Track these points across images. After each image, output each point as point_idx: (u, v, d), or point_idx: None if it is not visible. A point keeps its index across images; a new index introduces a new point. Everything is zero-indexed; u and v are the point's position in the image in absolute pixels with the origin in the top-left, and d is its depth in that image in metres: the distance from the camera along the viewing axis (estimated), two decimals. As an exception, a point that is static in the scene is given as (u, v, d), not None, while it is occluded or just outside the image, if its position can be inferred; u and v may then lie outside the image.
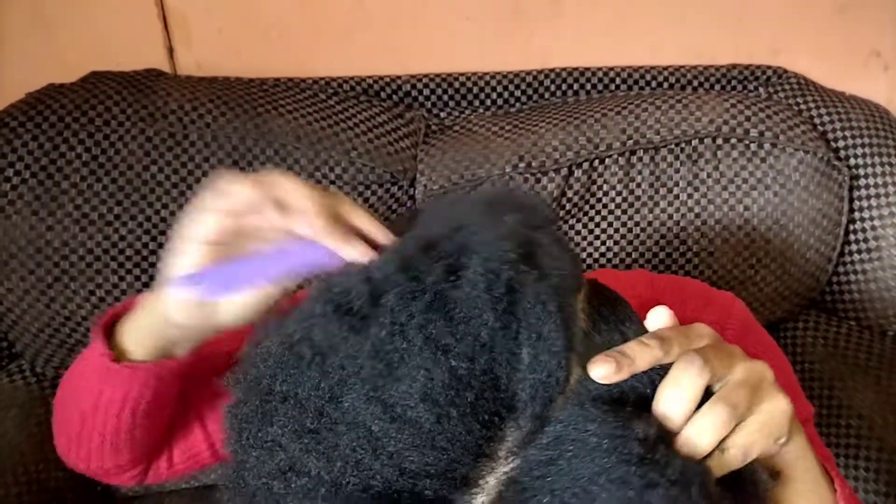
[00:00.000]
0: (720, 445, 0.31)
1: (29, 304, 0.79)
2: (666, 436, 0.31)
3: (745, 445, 0.32)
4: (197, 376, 0.50)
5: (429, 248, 0.33)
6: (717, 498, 0.30)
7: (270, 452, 0.31)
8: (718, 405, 0.31)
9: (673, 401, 0.31)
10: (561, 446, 0.30)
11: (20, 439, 0.80)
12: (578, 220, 0.87)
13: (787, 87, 0.95)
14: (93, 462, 0.52)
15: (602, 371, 0.31)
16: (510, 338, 0.31)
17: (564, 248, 0.35)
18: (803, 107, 0.92)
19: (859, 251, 0.89)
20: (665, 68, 0.96)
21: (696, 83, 0.96)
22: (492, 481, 0.31)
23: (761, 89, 0.96)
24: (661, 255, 0.87)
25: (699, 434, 0.31)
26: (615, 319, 0.35)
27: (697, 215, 0.86)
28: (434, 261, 0.32)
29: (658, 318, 0.35)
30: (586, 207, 0.86)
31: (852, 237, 0.89)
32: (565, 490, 0.29)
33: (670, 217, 0.86)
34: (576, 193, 0.85)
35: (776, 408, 0.33)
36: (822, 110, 0.91)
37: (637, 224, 0.87)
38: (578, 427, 0.30)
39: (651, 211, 0.86)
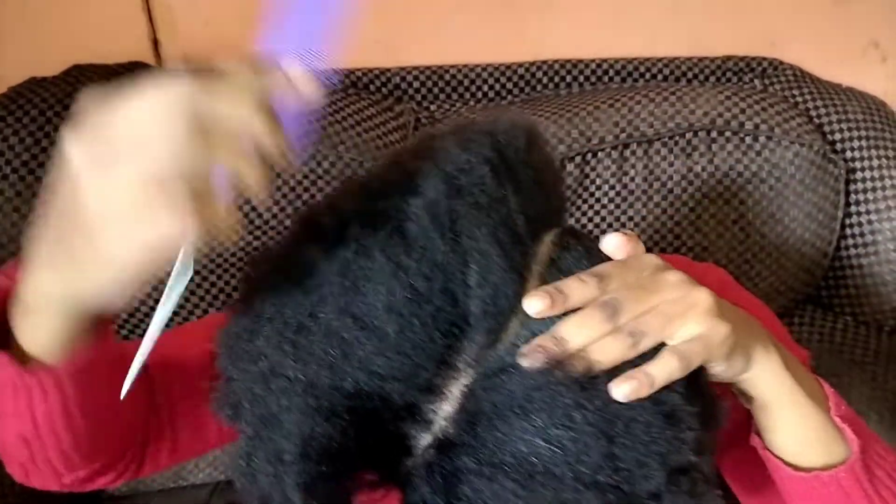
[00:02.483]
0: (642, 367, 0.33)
1: (11, 302, 0.78)
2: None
3: (665, 364, 0.33)
4: (176, 381, 0.49)
5: (392, 178, 0.37)
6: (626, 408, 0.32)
7: (254, 361, 0.34)
8: (593, 308, 0.33)
9: (571, 334, 0.33)
10: (510, 359, 0.33)
11: (4, 439, 0.79)
12: (571, 215, 0.86)
13: (783, 78, 0.93)
14: (65, 477, 0.46)
15: (536, 306, 0.33)
16: (459, 259, 0.34)
17: (542, 183, 0.38)
18: (799, 99, 0.90)
19: (855, 245, 0.87)
20: (659, 60, 0.95)
21: (690, 75, 0.95)
22: (455, 391, 0.34)
23: (757, 81, 0.95)
24: (655, 250, 0.86)
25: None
26: (584, 253, 0.37)
27: (692, 209, 0.85)
28: (395, 190, 0.35)
29: (608, 244, 0.37)
30: (579, 202, 0.85)
31: (848, 231, 0.88)
32: (514, 400, 0.32)
33: (664, 211, 0.85)
34: (568, 187, 0.84)
35: (706, 331, 0.34)
36: (819, 102, 0.89)
37: (630, 218, 0.85)
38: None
39: (644, 205, 0.85)
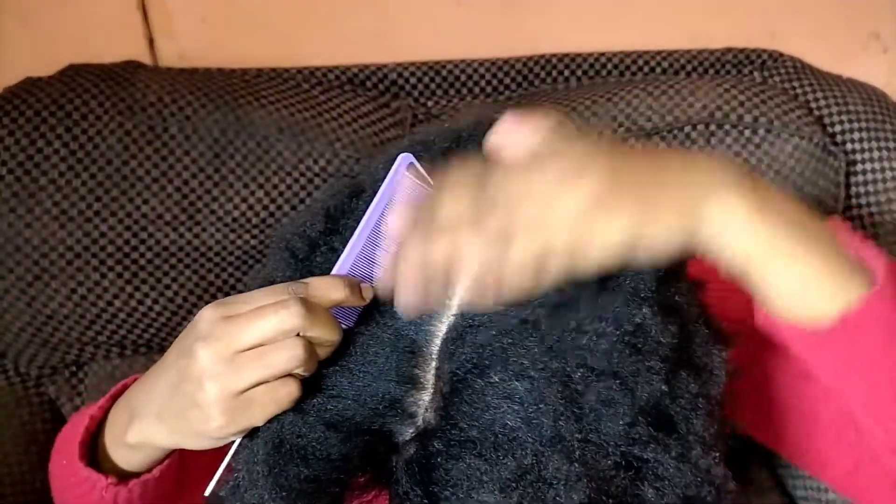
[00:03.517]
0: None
1: (9, 303, 0.78)
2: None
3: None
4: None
5: (343, 194, 0.43)
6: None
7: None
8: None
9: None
10: (461, 325, 0.36)
11: (4, 440, 0.79)
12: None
13: (782, 70, 0.92)
14: None
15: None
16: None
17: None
18: (799, 91, 0.90)
19: (856, 239, 0.87)
20: (658, 53, 0.94)
21: (689, 68, 0.94)
22: (429, 377, 0.36)
23: (756, 73, 0.94)
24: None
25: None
26: None
27: (691, 204, 0.84)
28: (348, 206, 0.42)
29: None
30: (577, 197, 0.85)
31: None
32: (470, 363, 0.34)
33: (663, 206, 0.84)
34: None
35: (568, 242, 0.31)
36: (819, 94, 0.88)
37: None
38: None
39: (643, 200, 0.84)
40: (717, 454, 0.33)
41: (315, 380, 0.37)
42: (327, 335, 0.36)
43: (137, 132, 0.79)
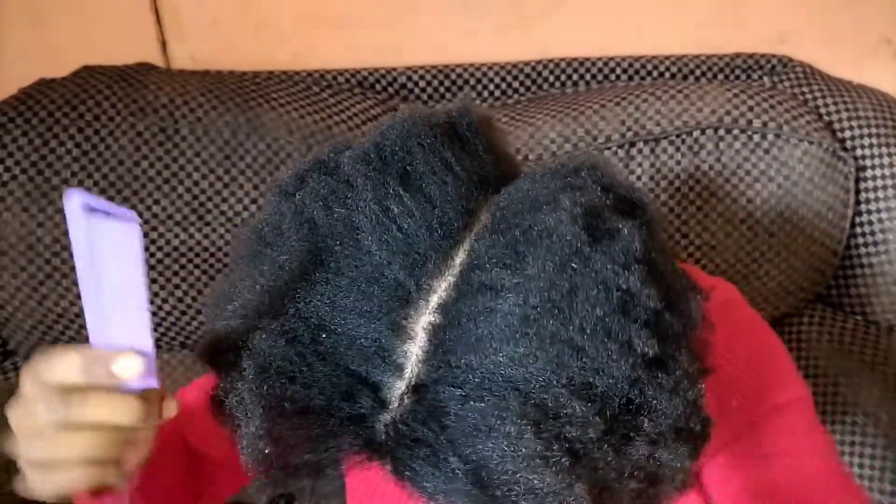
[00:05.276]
0: None
1: (21, 301, 0.79)
2: None
3: None
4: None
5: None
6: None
7: (230, 301, 0.40)
8: None
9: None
10: (463, 286, 0.37)
11: (4, 439, 0.80)
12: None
13: (792, 75, 0.92)
14: None
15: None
16: (408, 196, 0.38)
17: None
18: (808, 96, 0.89)
19: (866, 244, 0.86)
20: (667, 58, 0.94)
21: (698, 73, 0.94)
22: (419, 331, 0.37)
23: (766, 78, 0.94)
24: (662, 249, 0.85)
25: None
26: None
27: (699, 208, 0.84)
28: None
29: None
30: (585, 201, 0.85)
31: (858, 230, 0.86)
32: (471, 317, 0.35)
33: (671, 210, 0.84)
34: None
35: None
36: (829, 99, 0.88)
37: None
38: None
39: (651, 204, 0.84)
40: (701, 387, 0.36)
41: (306, 311, 0.37)
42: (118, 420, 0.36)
43: (149, 133, 0.79)
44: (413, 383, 0.36)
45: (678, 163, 0.83)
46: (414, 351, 0.36)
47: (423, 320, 0.36)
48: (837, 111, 0.87)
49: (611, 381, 0.34)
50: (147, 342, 0.36)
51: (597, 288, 0.34)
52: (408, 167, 0.39)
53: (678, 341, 0.36)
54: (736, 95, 0.84)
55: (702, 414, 0.36)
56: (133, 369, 0.36)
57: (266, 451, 0.37)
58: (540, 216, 0.37)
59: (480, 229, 0.38)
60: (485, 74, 0.94)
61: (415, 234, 0.37)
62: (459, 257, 0.37)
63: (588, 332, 0.34)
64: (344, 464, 0.39)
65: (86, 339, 0.45)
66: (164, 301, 0.81)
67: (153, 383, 0.37)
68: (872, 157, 0.85)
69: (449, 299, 0.36)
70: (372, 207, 0.38)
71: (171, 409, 0.39)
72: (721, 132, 0.83)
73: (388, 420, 0.37)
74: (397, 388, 0.37)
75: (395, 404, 0.37)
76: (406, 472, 0.37)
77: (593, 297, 0.34)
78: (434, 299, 0.37)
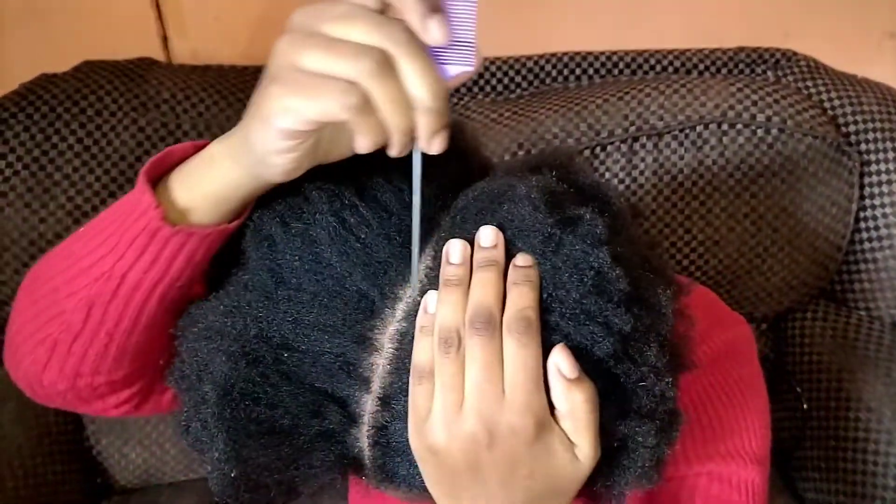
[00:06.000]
0: None
1: (23, 296, 0.79)
2: None
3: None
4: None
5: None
6: None
7: (196, 323, 0.39)
8: None
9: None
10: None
11: (17, 432, 0.80)
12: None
13: (796, 70, 0.92)
14: (82, 378, 0.43)
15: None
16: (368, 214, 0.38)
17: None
18: (813, 90, 0.89)
19: (870, 239, 0.86)
20: (670, 52, 0.94)
21: (701, 67, 0.94)
22: (385, 341, 0.36)
23: (769, 73, 0.93)
24: (665, 244, 0.85)
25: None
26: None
27: (702, 203, 0.84)
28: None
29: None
30: (588, 196, 0.84)
31: (862, 225, 0.86)
32: None
33: (674, 205, 0.84)
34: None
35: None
36: (833, 94, 0.88)
37: (640, 212, 0.85)
38: None
39: (654, 199, 0.84)
40: (671, 380, 0.36)
41: (268, 331, 0.37)
42: (390, 114, 0.33)
43: (151, 128, 0.79)
44: (381, 395, 0.36)
45: (681, 157, 0.83)
46: (380, 363, 0.36)
47: (391, 330, 0.36)
48: (842, 106, 0.87)
49: (594, 361, 0.34)
50: (471, 34, 0.36)
51: (570, 271, 0.34)
52: (362, 177, 0.38)
53: (646, 336, 0.35)
54: (740, 90, 0.84)
55: (671, 405, 0.36)
56: (440, 31, 0.34)
57: (233, 475, 0.37)
58: (502, 208, 0.36)
59: (441, 233, 0.38)
60: (487, 69, 0.93)
61: (373, 243, 0.37)
62: (424, 262, 0.37)
63: (568, 315, 0.34)
64: (318, 481, 0.39)
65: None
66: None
67: (470, 67, 0.36)
68: (877, 151, 0.85)
69: (416, 305, 0.36)
70: (329, 220, 0.37)
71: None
72: (725, 127, 0.82)
73: (359, 433, 0.37)
74: (364, 402, 0.36)
75: (365, 417, 0.37)
76: (385, 483, 0.37)
77: (568, 281, 0.34)
78: (400, 307, 0.37)
